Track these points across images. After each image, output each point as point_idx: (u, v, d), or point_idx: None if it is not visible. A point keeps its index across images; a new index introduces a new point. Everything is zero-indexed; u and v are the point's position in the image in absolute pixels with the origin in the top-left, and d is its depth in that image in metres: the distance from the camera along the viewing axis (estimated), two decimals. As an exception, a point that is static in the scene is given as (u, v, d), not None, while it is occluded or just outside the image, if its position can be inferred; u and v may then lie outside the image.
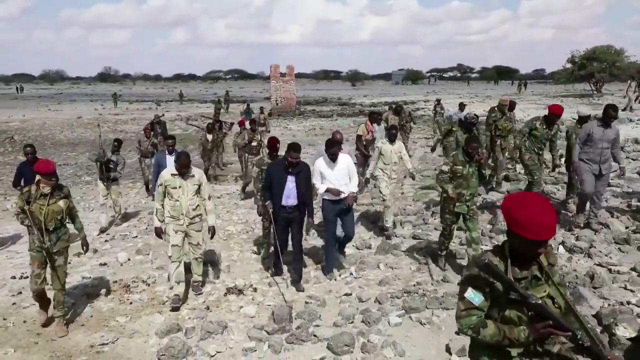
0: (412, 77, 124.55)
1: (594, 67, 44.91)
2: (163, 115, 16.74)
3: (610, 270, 6.34)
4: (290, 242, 6.79)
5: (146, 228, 9.14)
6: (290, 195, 6.32)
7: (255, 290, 6.42)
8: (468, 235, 6.60)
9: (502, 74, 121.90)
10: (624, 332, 4.75)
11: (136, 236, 8.81)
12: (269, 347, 5.03)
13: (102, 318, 5.79)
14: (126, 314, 5.86)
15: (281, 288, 6.41)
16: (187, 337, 5.24)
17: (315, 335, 5.13)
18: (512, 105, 12.04)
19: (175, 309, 5.89)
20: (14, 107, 43.76)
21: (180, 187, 6.00)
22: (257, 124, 14.89)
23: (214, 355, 4.93)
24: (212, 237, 6.51)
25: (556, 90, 52.80)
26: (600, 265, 6.53)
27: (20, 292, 6.36)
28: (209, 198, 6.35)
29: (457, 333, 4.83)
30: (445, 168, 6.48)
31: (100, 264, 7.51)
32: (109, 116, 34.49)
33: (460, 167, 6.36)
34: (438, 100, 20.62)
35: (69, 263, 7.29)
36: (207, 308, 5.95)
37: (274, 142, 7.39)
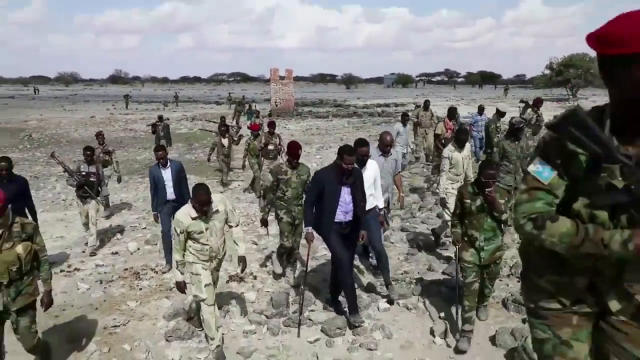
0: (403, 80, 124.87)
1: (570, 74, 45.12)
2: (168, 118, 15.65)
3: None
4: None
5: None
6: (347, 212, 5.00)
7: (255, 278, 6.46)
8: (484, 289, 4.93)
9: (486, 78, 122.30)
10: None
11: (145, 227, 8.83)
12: (267, 330, 5.08)
13: (114, 302, 5.82)
14: (136, 298, 5.90)
15: (287, 273, 6.45)
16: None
17: (310, 319, 5.19)
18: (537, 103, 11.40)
19: (220, 357, 4.50)
20: (32, 107, 43.63)
21: (207, 229, 4.56)
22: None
23: (216, 337, 4.97)
24: (242, 270, 5.11)
25: (535, 94, 52.87)
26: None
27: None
28: (237, 225, 4.94)
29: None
30: (451, 206, 4.99)
31: (112, 253, 7.55)
32: (120, 116, 34.45)
33: (469, 202, 4.61)
34: (417, 105, 20.56)
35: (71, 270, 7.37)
36: (211, 294, 5.98)
37: (295, 148, 5.99)
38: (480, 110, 13.26)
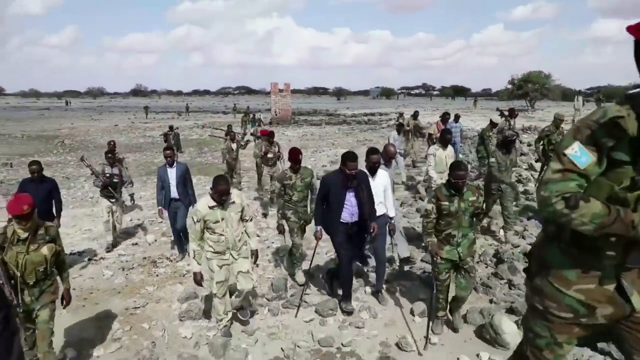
0: (386, 93, 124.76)
1: (529, 88, 45.35)
2: (177, 127, 15.10)
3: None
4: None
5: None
6: (353, 213, 4.70)
7: (257, 265, 6.38)
8: (457, 292, 4.44)
9: (457, 92, 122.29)
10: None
11: (161, 222, 8.73)
12: (268, 311, 5.04)
13: (135, 287, 5.77)
14: (153, 284, 5.84)
15: (283, 262, 6.42)
16: (202, 302, 5.23)
17: (305, 302, 5.15)
18: (511, 113, 11.14)
19: (226, 335, 4.45)
20: (64, 117, 43.24)
21: (223, 219, 4.24)
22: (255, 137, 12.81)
23: (224, 317, 4.94)
24: (255, 262, 4.78)
25: (500, 106, 53.01)
26: (531, 244, 6.60)
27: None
28: (251, 219, 4.64)
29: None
30: (429, 207, 4.32)
31: (133, 244, 7.48)
32: (139, 124, 34.21)
33: (447, 204, 4.18)
34: (400, 114, 20.52)
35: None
36: (219, 279, 5.94)
37: (296, 154, 5.60)
38: (456, 118, 12.85)
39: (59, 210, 5.92)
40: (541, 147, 9.07)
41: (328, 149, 19.12)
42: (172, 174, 6.36)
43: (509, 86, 48.65)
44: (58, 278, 3.82)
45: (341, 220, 4.70)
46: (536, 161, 9.56)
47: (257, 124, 23.40)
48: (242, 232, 4.48)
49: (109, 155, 7.23)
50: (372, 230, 4.69)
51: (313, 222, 5.22)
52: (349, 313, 4.82)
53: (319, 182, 5.09)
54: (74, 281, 5.85)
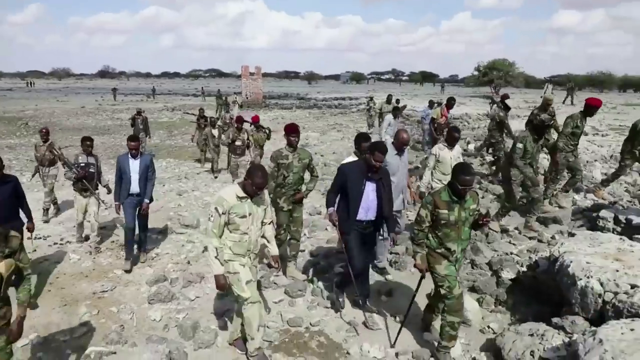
0: (357, 78, 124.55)
1: (494, 75, 46.35)
2: (145, 111, 13.79)
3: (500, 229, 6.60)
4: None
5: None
6: (370, 208, 4.14)
7: (279, 271, 6.34)
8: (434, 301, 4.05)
9: (426, 77, 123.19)
10: (507, 275, 4.99)
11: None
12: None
13: (103, 271, 5.65)
14: (122, 267, 5.73)
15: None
16: (171, 285, 5.18)
17: (275, 283, 5.17)
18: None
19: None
20: (28, 98, 41.37)
21: (250, 214, 3.59)
22: (225, 124, 12.47)
23: (193, 300, 4.91)
24: (278, 268, 4.17)
25: (466, 92, 53.95)
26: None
27: (35, 250, 6.10)
28: (270, 222, 3.94)
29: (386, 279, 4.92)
30: (423, 213, 3.62)
31: (100, 228, 7.27)
32: (107, 106, 33.12)
33: (446, 212, 3.53)
34: (371, 97, 20.52)
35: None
36: (188, 262, 5.88)
37: (294, 129, 5.10)
38: (431, 104, 12.58)
39: (28, 210, 4.87)
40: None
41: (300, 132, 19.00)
42: (134, 165, 5.59)
43: (475, 73, 49.56)
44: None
45: (358, 219, 4.13)
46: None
47: (231, 107, 22.92)
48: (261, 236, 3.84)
49: (87, 142, 6.11)
50: (392, 242, 4.40)
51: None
52: (370, 324, 4.28)
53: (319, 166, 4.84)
54: (40, 266, 5.68)
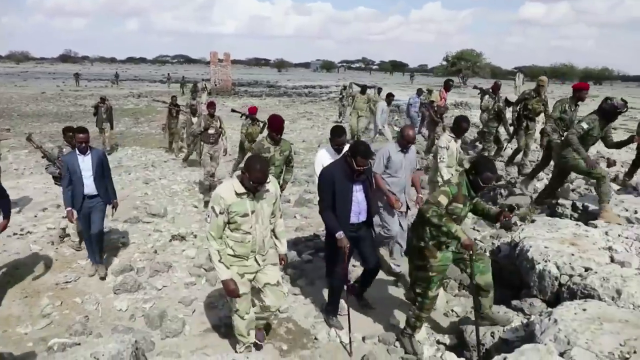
0: (327, 66, 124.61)
1: (462, 65, 47.33)
2: (108, 99, 12.47)
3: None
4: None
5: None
6: (360, 212, 3.89)
7: (195, 236, 6.31)
8: (481, 279, 3.60)
9: (396, 66, 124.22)
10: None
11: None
12: (206, 281, 5.01)
13: (66, 261, 5.50)
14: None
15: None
16: (138, 275, 5.11)
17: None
18: (495, 88, 9.69)
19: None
20: (-19, 81, 39.46)
21: (253, 212, 3.23)
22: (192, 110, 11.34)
23: (160, 289, 4.86)
24: (285, 268, 3.96)
25: (435, 82, 54.66)
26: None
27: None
28: (281, 216, 3.63)
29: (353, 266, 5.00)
30: (443, 200, 3.39)
31: (63, 217, 7.06)
32: (70, 92, 31.95)
33: (461, 207, 3.45)
34: (345, 86, 20.55)
35: (35, 217, 6.89)
36: (155, 252, 5.79)
37: (279, 121, 4.81)
38: (419, 92, 12.37)
39: (8, 210, 4.36)
40: (517, 112, 8.29)
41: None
42: (85, 163, 4.85)
43: (444, 63, 50.41)
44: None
45: (350, 222, 3.88)
46: (510, 125, 8.73)
47: (200, 94, 22.43)
48: (271, 232, 3.51)
49: (69, 133, 5.59)
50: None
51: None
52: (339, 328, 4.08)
53: (315, 159, 4.65)
54: (1, 257, 5.49)
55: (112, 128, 12.03)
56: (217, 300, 4.59)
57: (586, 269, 3.80)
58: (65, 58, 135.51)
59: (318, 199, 3.97)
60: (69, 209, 4.88)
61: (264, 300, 3.55)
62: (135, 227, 6.63)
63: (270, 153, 4.93)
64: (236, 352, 3.56)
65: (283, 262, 3.71)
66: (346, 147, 4.41)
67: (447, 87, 10.36)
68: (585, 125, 5.42)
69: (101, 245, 5.16)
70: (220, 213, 3.16)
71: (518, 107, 8.27)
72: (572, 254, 4.02)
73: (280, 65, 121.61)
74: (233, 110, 11.23)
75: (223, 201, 3.14)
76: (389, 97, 11.83)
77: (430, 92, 12.04)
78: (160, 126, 12.82)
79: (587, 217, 5.74)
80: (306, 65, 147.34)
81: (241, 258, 3.31)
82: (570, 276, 3.81)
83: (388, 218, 4.87)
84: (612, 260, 4.06)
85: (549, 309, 3.32)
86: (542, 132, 6.98)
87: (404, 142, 4.73)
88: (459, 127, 5.41)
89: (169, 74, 45.50)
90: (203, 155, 8.29)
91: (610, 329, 2.85)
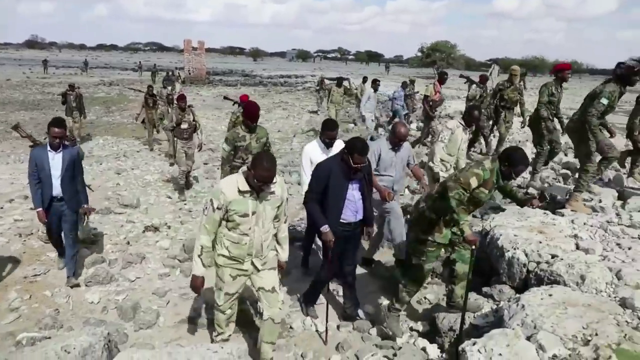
0: (303, 55, 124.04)
1: (436, 56, 47.82)
2: (79, 87, 12.03)
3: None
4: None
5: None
6: (357, 210, 3.74)
7: (169, 227, 6.24)
8: (458, 268, 3.74)
9: (371, 57, 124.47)
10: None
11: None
12: (180, 272, 4.97)
13: (34, 254, 5.35)
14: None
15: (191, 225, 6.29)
16: (110, 267, 5.02)
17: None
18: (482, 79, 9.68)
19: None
20: (-59, 67, 37.70)
21: (254, 213, 3.02)
22: (162, 99, 11.36)
23: (133, 280, 4.80)
24: (282, 276, 3.78)
25: (410, 72, 55.03)
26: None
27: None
28: (286, 221, 3.39)
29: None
30: (474, 182, 3.32)
31: (31, 208, 6.86)
32: (37, 79, 30.87)
33: (486, 192, 3.40)
34: (322, 79, 20.43)
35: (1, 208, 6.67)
36: (128, 243, 5.70)
37: (255, 108, 4.69)
38: (404, 84, 12.19)
39: None
40: (494, 104, 8.32)
41: (244, 111, 18.73)
42: (56, 161, 4.36)
43: (419, 54, 50.80)
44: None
45: (342, 221, 3.71)
46: (487, 119, 8.61)
47: (173, 83, 21.97)
48: (272, 236, 3.26)
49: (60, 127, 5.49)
50: (366, 236, 4.04)
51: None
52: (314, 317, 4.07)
53: (303, 153, 4.43)
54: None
55: (84, 117, 11.47)
56: (191, 291, 4.54)
57: (553, 256, 3.92)
58: (32, 44, 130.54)
59: (305, 189, 3.98)
60: (39, 209, 4.45)
61: (260, 309, 3.37)
62: (107, 218, 6.50)
63: (246, 141, 4.80)
64: (212, 340, 3.51)
65: (282, 269, 3.46)
66: (337, 143, 4.38)
67: (442, 80, 10.15)
68: (605, 101, 4.98)
69: (74, 254, 4.67)
70: (218, 208, 2.96)
71: (494, 99, 8.32)
72: (540, 242, 4.15)
73: (256, 54, 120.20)
74: (225, 98, 10.99)
75: (223, 197, 2.93)
76: (375, 83, 11.41)
77: (413, 82, 11.98)
78: (134, 116, 12.35)
79: (554, 206, 5.92)
80: (282, 54, 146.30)
81: (236, 260, 3.13)
82: (538, 263, 3.94)
83: (394, 224, 4.67)
84: (578, 247, 4.22)
85: (517, 295, 3.42)
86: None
87: (395, 140, 4.54)
88: (470, 115, 5.19)
89: (140, 62, 44.39)
90: (178, 153, 7.73)
91: (574, 313, 2.96)
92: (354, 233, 3.86)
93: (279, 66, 72.95)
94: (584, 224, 4.84)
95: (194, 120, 7.56)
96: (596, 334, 2.75)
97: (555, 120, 6.57)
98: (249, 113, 4.67)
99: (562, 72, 6.42)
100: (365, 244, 5.14)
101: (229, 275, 3.17)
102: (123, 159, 10.11)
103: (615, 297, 3.32)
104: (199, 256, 3.10)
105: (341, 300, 4.29)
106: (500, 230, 4.45)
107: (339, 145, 4.25)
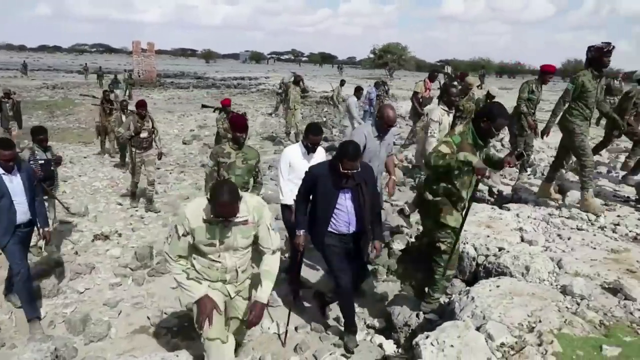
0: (256, 57, 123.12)
1: (388, 58, 48.70)
2: (15, 93, 10.75)
3: (391, 204, 7.03)
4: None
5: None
6: (350, 222, 3.39)
7: (120, 235, 6.03)
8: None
9: (325, 59, 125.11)
10: (397, 245, 5.34)
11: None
12: (132, 281, 4.82)
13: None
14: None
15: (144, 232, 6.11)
16: (57, 279, 4.79)
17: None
18: (462, 77, 9.60)
19: None
20: None
21: (221, 243, 2.75)
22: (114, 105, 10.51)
23: (82, 292, 4.59)
24: (250, 325, 2.92)
25: (363, 74, 55.82)
26: (386, 201, 7.20)
27: None
28: (275, 252, 2.97)
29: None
30: (444, 149, 3.22)
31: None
32: (-29, 82, 29.00)
33: (470, 155, 3.13)
34: (283, 82, 20.17)
35: None
36: (76, 253, 5.45)
37: (241, 122, 4.19)
38: (377, 85, 12.06)
39: None
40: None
41: (196, 113, 18.38)
42: (15, 184, 3.83)
43: (371, 56, 51.62)
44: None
45: (333, 231, 3.42)
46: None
47: (121, 85, 21.20)
48: (249, 261, 2.99)
49: (40, 136, 4.95)
50: (373, 251, 3.54)
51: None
52: (351, 352, 3.57)
53: (281, 155, 4.13)
54: None
55: (20, 127, 10.27)
56: (144, 300, 4.43)
57: (500, 249, 4.11)
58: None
59: (282, 196, 4.00)
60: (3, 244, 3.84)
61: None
62: (53, 227, 6.19)
63: (230, 159, 4.21)
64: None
65: (254, 311, 2.82)
66: (319, 149, 4.10)
67: (432, 77, 10.07)
68: (570, 86, 5.01)
69: (31, 291, 4.04)
70: (183, 235, 2.69)
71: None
72: (488, 236, 4.33)
73: (208, 56, 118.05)
74: (204, 106, 10.29)
75: (187, 223, 2.66)
76: (359, 91, 10.88)
77: (385, 83, 11.88)
78: (94, 125, 11.24)
79: (501, 201, 6.19)
80: (235, 56, 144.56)
81: (210, 281, 2.85)
82: (486, 256, 4.11)
83: None
84: (522, 239, 4.43)
85: (468, 288, 3.56)
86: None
87: (384, 126, 4.19)
88: (448, 93, 5.08)
89: (86, 64, 42.54)
90: (137, 167, 6.90)
91: (519, 302, 3.11)
92: (351, 246, 3.51)
93: (232, 68, 72.03)
94: (528, 217, 5.09)
95: (152, 127, 6.90)
96: (540, 321, 2.89)
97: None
98: (236, 127, 4.17)
99: (545, 74, 6.41)
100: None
101: (210, 287, 2.87)
102: (69, 166, 9.66)
103: (556, 285, 3.51)
104: (188, 279, 2.78)
105: (297, 303, 4.29)
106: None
107: (320, 152, 4.11)
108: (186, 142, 12.40)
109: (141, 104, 6.86)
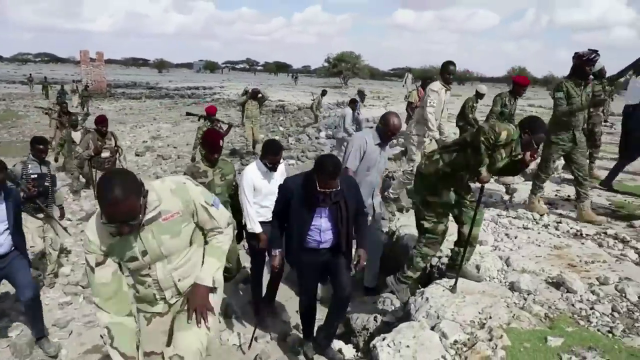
0: (210, 66, 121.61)
1: (342, 67, 49.38)
2: None
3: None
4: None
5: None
6: (325, 240, 3.11)
7: (69, 252, 5.78)
8: (464, 230, 3.52)
9: (280, 67, 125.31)
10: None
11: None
12: (84, 299, 4.64)
13: None
14: None
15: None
16: (0, 301, 4.53)
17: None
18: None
19: None
20: None
21: (143, 253, 2.12)
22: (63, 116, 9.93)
23: (29, 313, 4.36)
24: (198, 318, 2.23)
25: (318, 82, 56.34)
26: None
27: None
28: (226, 227, 2.35)
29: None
30: (503, 136, 3.05)
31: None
32: None
33: (503, 156, 3.20)
34: (245, 91, 19.84)
35: None
36: (22, 272, 5.18)
37: (215, 138, 3.77)
38: (360, 94, 11.57)
39: None
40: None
41: (149, 124, 17.97)
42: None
43: (326, 64, 52.13)
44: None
45: (307, 247, 3.14)
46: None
47: (69, 96, 20.36)
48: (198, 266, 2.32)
49: (40, 146, 4.58)
50: (355, 262, 3.10)
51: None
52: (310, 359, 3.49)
53: (243, 178, 3.76)
54: None
55: None
56: (97, 318, 4.25)
57: (452, 250, 4.23)
58: None
59: (246, 219, 3.78)
60: None
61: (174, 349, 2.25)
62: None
63: (208, 177, 3.83)
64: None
65: (198, 307, 2.25)
66: (280, 166, 3.82)
67: (425, 85, 9.51)
68: (559, 94, 4.83)
69: (40, 312, 3.78)
70: (96, 265, 2.09)
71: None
72: (440, 238, 4.45)
73: (161, 65, 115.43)
74: (188, 114, 10.06)
75: (95, 246, 2.07)
76: (354, 103, 10.33)
77: (361, 92, 11.77)
78: (49, 139, 10.36)
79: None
80: (189, 65, 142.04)
81: (147, 303, 2.34)
82: (439, 258, 4.23)
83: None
84: (473, 240, 4.58)
85: (422, 289, 3.65)
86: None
87: (387, 134, 3.95)
88: (446, 70, 5.10)
89: (31, 74, 40.60)
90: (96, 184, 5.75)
91: (471, 300, 3.23)
92: (328, 258, 3.20)
93: (185, 77, 70.81)
94: (478, 218, 5.28)
95: (116, 145, 6.23)
96: (490, 317, 3.02)
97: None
98: (209, 145, 3.75)
99: (518, 86, 6.30)
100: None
101: (144, 318, 2.37)
102: (12, 181, 9.17)
103: (505, 282, 3.67)
104: (113, 344, 2.21)
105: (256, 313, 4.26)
106: (405, 230, 4.72)
107: (281, 169, 3.85)
108: (139, 153, 12.09)
109: (101, 120, 6.15)
